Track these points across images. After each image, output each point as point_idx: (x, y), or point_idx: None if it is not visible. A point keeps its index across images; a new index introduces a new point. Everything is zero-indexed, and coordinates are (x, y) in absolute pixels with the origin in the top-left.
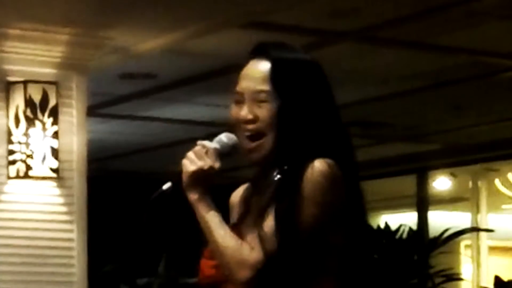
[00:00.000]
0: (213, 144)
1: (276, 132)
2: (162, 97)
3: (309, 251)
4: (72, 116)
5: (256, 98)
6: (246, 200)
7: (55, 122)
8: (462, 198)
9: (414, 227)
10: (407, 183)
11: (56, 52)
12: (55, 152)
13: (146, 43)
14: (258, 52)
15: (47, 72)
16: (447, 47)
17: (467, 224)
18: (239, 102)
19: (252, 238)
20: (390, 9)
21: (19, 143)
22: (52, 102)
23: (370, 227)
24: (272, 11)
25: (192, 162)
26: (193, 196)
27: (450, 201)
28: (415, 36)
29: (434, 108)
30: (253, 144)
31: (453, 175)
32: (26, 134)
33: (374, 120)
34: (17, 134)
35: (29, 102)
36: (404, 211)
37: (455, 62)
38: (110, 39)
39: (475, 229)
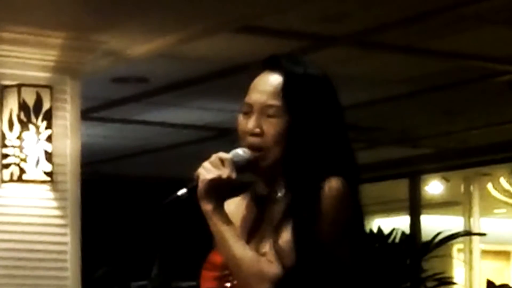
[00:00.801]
0: (229, 155)
1: (282, 146)
2: (155, 101)
3: (323, 266)
4: (66, 119)
5: (265, 112)
6: (249, 215)
7: (49, 126)
8: (455, 202)
9: (407, 231)
10: (400, 187)
11: (49, 56)
12: (49, 156)
13: (138, 47)
14: (271, 64)
15: (41, 75)
16: (438, 52)
17: (460, 228)
18: (247, 113)
19: (266, 252)
20: (381, 14)
21: (13, 146)
22: (46, 106)
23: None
24: (264, 16)
25: (209, 171)
26: (208, 206)
27: (443, 205)
28: (407, 41)
29: (426, 112)
30: (254, 156)
31: (445, 179)
32: (20, 138)
33: (366, 125)
34: (11, 138)
35: (22, 106)
36: (397, 215)
37: (446, 67)
38: (103, 43)
39: (468, 233)
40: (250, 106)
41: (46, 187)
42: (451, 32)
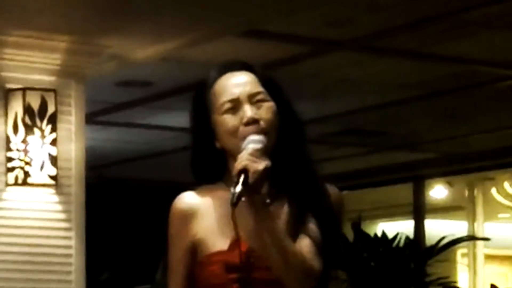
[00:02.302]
0: (258, 144)
1: (276, 132)
2: (159, 105)
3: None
4: (71, 123)
5: (255, 99)
6: (249, 216)
7: (53, 130)
8: (459, 207)
9: (411, 235)
10: (404, 192)
11: (54, 60)
12: (53, 160)
13: (143, 51)
14: (233, 67)
15: (46, 79)
16: (442, 57)
17: (464, 233)
18: (232, 109)
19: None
20: (385, 19)
21: (18, 150)
22: (50, 110)
23: None
24: (269, 20)
25: (257, 162)
26: (259, 198)
27: (447, 209)
28: (411, 46)
29: (429, 117)
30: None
31: (449, 184)
32: (24, 141)
33: (370, 129)
34: (16, 141)
35: (27, 110)
36: (401, 220)
37: (450, 71)
38: (108, 47)
39: (472, 238)
40: (235, 100)
41: (51, 190)
42: (456, 36)
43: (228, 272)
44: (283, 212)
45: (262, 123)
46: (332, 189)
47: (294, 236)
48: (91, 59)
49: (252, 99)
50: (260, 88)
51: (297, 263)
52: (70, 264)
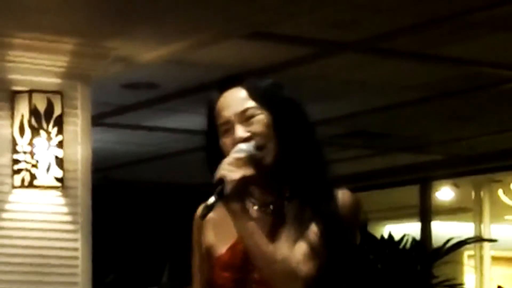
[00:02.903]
0: (241, 153)
1: (275, 141)
2: (165, 107)
3: (348, 268)
4: (77, 125)
5: (244, 117)
6: (259, 220)
7: (59, 132)
8: (465, 209)
9: (418, 237)
10: (411, 193)
11: (60, 62)
12: (59, 162)
13: (149, 53)
14: (227, 85)
15: (52, 81)
16: (449, 58)
17: (470, 234)
18: (227, 131)
19: (290, 252)
20: (390, 21)
21: (24, 152)
22: (57, 112)
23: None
24: (273, 22)
25: (233, 171)
26: (236, 206)
27: (453, 211)
28: (416, 47)
29: (436, 118)
30: (258, 152)
31: (456, 185)
32: (31, 144)
33: (377, 131)
34: (22, 144)
35: (34, 112)
36: (408, 221)
37: (457, 73)
38: (114, 49)
39: (478, 239)
40: (227, 122)
41: (57, 193)
42: (462, 38)
43: (225, 272)
44: (290, 216)
45: (255, 139)
46: (342, 193)
47: (296, 240)
48: (97, 61)
49: (242, 117)
50: (248, 104)
51: (278, 267)
52: (76, 266)
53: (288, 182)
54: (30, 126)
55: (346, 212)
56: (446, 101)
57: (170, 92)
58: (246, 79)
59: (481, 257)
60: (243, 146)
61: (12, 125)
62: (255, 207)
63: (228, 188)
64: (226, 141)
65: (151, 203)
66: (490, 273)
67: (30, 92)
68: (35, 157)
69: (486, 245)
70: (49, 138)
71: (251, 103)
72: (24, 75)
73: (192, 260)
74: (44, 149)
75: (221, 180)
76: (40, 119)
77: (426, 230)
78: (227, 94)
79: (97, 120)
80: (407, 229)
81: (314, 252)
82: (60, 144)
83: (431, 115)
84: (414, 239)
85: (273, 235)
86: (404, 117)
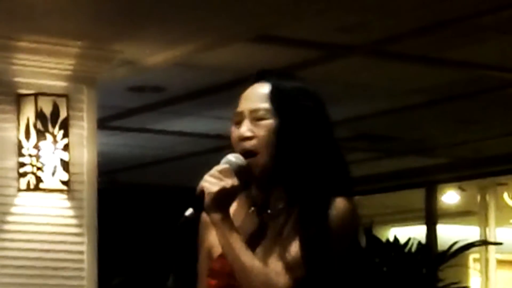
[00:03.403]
0: (225, 165)
1: (273, 150)
2: (171, 110)
3: (332, 279)
4: (83, 128)
5: (255, 116)
6: (249, 225)
7: (65, 135)
8: (471, 212)
9: (423, 240)
10: (416, 197)
11: (66, 65)
12: (65, 165)
13: (155, 57)
14: (260, 77)
15: (58, 84)
16: (454, 62)
17: (476, 238)
18: (239, 122)
19: (272, 263)
20: (397, 24)
21: (30, 155)
22: (62, 115)
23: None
24: (279, 25)
25: (213, 183)
26: (216, 217)
27: (459, 214)
28: (422, 51)
29: (441, 122)
30: (247, 162)
31: (461, 189)
32: (36, 147)
33: (382, 134)
34: (28, 147)
35: (39, 115)
36: (413, 225)
37: (462, 77)
38: (120, 52)
39: (484, 243)
40: (240, 114)
41: (63, 196)
42: (467, 42)
43: (212, 280)
44: (278, 225)
45: (254, 141)
46: (335, 203)
47: (279, 250)
48: (103, 65)
49: (252, 115)
50: (263, 105)
51: (256, 279)
52: (82, 269)
53: (283, 190)
54: (36, 129)
55: (336, 222)
56: (451, 104)
57: (176, 95)
58: (276, 76)
59: (487, 261)
60: (231, 157)
61: (18, 128)
62: (252, 209)
63: (206, 200)
64: (233, 130)
65: (157, 206)
66: (496, 277)
67: (36, 95)
68: (40, 160)
69: (491, 248)
70: (55, 141)
71: (265, 105)
72: (30, 78)
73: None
74: (50, 152)
75: (203, 192)
76: (46, 122)
77: (431, 234)
78: (253, 87)
79: (103, 123)
80: (412, 233)
81: (294, 266)
82: (66, 147)
83: (437, 118)
84: (419, 243)
85: (259, 241)
86: (410, 120)
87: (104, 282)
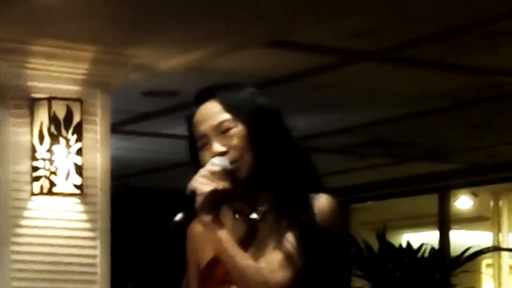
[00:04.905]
0: (215, 167)
1: (252, 153)
2: (185, 115)
3: (325, 278)
4: (96, 133)
5: (221, 130)
6: (237, 228)
7: (79, 139)
8: (484, 218)
9: (436, 246)
10: (429, 202)
11: (80, 69)
12: (79, 169)
13: (169, 61)
14: (202, 98)
15: (71, 89)
16: (468, 67)
17: (489, 243)
18: (205, 145)
19: (264, 261)
20: (411, 29)
21: (43, 159)
22: (76, 119)
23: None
24: (293, 31)
25: (205, 184)
26: (207, 218)
27: (472, 220)
28: (436, 56)
29: (455, 127)
30: (232, 167)
31: (474, 194)
32: (50, 151)
33: (396, 139)
34: (41, 151)
35: (53, 119)
36: (426, 230)
37: (475, 82)
38: (134, 56)
39: (497, 249)
40: (204, 136)
41: (76, 200)
42: (482, 47)
43: (201, 285)
44: (268, 225)
45: (231, 153)
46: (319, 198)
47: (272, 249)
48: (117, 69)
49: (217, 130)
50: (223, 117)
51: (251, 277)
52: (95, 273)
53: (267, 191)
54: (50, 133)
55: (323, 218)
56: (466, 110)
57: (190, 100)
58: (220, 90)
59: (499, 266)
60: (216, 160)
61: (31, 132)
62: (236, 216)
63: (198, 200)
64: (204, 155)
65: (170, 211)
66: (508, 282)
67: (50, 100)
68: (54, 164)
69: (504, 254)
70: (68, 146)
71: (225, 116)
72: (43, 83)
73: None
74: (63, 156)
75: (194, 193)
76: (60, 126)
77: (444, 239)
78: (203, 108)
79: (117, 127)
80: (425, 238)
81: (288, 261)
82: (80, 152)
83: (451, 124)
84: (432, 248)
85: (249, 244)
86: (423, 126)
87: (117, 287)
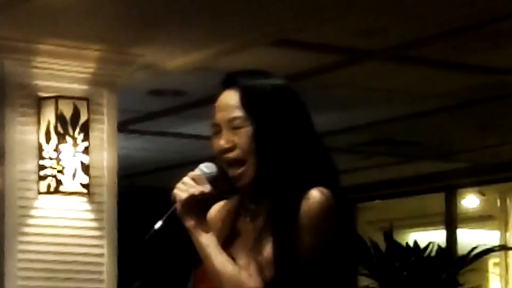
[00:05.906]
0: (197, 172)
1: (256, 156)
2: (191, 114)
3: (304, 280)
4: (103, 132)
5: (232, 126)
6: (230, 222)
7: (85, 138)
8: (491, 216)
9: (443, 245)
10: (436, 201)
11: (87, 68)
12: (85, 168)
13: (175, 60)
14: (228, 83)
15: (78, 88)
16: (473, 67)
17: (496, 242)
18: (217, 133)
19: (245, 264)
20: (416, 29)
21: (50, 158)
22: (83, 118)
23: (359, 249)
24: (299, 30)
25: (183, 191)
26: (189, 223)
27: (479, 219)
28: (441, 56)
29: (461, 126)
30: (237, 172)
31: (481, 193)
32: (57, 150)
33: (402, 139)
34: (48, 150)
35: (60, 118)
36: (433, 229)
37: (482, 81)
38: (140, 56)
39: (504, 247)
40: (217, 125)
41: (83, 199)
42: (487, 47)
43: (199, 283)
44: (256, 226)
45: (237, 150)
46: (307, 199)
47: (254, 252)
48: (123, 68)
49: (229, 125)
50: (237, 113)
51: (225, 280)
52: (102, 272)
53: (268, 194)
54: (56, 132)
55: (305, 220)
56: (471, 109)
57: (197, 99)
58: (245, 79)
59: (507, 265)
60: (203, 167)
61: (38, 131)
62: (226, 210)
63: (178, 207)
64: (213, 142)
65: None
66: None
67: (57, 98)
68: (61, 163)
69: (511, 253)
70: (75, 144)
71: (239, 113)
72: (50, 81)
73: None
74: (70, 155)
75: (174, 199)
76: (66, 125)
77: (451, 238)
78: (223, 96)
79: (123, 126)
80: (432, 237)
81: (263, 265)
82: (86, 150)
83: (456, 123)
84: (439, 247)
85: (232, 243)
86: (430, 125)
87: (124, 285)
